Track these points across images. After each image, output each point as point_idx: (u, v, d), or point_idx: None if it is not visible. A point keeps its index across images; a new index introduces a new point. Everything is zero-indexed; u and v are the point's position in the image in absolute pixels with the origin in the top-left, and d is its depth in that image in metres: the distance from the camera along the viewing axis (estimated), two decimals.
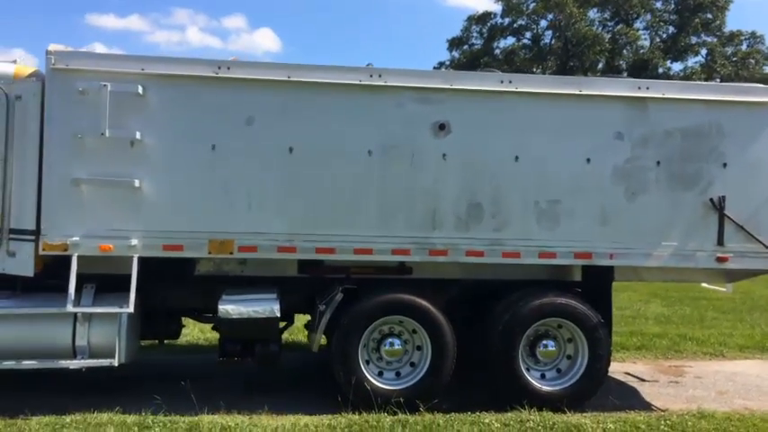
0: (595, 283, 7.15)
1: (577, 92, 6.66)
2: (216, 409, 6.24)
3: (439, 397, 6.48)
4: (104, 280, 6.44)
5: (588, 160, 6.67)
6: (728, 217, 6.80)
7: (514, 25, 47.66)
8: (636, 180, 6.72)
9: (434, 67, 50.61)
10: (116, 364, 6.23)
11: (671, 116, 6.75)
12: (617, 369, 8.73)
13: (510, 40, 47.99)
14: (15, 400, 6.25)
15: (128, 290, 6.34)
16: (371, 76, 6.44)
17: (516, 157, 6.60)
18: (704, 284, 8.24)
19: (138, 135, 6.12)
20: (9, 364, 6.14)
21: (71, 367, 6.20)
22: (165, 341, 7.45)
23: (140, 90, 6.10)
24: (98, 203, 6.15)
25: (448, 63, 50.14)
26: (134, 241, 6.19)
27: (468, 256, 6.60)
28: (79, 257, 6.32)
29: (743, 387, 8.01)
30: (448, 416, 6.22)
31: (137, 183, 6.14)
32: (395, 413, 6.28)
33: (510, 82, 6.60)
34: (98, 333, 6.28)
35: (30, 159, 6.13)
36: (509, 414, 6.33)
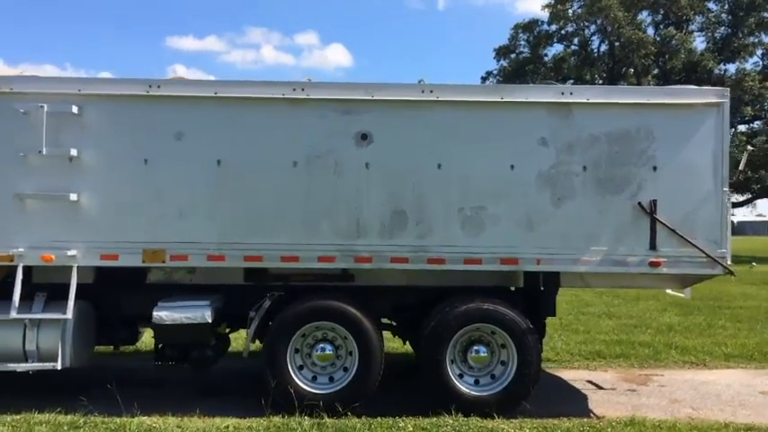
0: (538, 290, 7.18)
1: (499, 99, 6.74)
2: (154, 412, 6.58)
3: (363, 401, 6.63)
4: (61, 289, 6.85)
5: (512, 166, 6.72)
6: (660, 221, 6.71)
7: (562, 32, 47.09)
8: (562, 185, 6.73)
9: (482, 77, 50.49)
10: (59, 368, 6.64)
11: (596, 121, 6.73)
12: (581, 377, 8.68)
13: (558, 47, 47.46)
14: None
15: (84, 298, 6.88)
16: (294, 90, 6.70)
17: (439, 165, 6.71)
18: (668, 291, 8.12)
19: (74, 152, 6.57)
20: None
21: (18, 370, 6.64)
22: (123, 347, 7.85)
23: (75, 110, 6.55)
24: (40, 217, 6.61)
25: (496, 72, 49.87)
26: (73, 251, 6.61)
27: (392, 262, 6.74)
28: (34, 268, 6.85)
29: (701, 396, 7.80)
30: (366, 419, 6.36)
31: (74, 196, 6.58)
32: (322, 417, 6.45)
33: (431, 91, 6.74)
34: (45, 338, 6.72)
35: None
36: (427, 419, 6.41)
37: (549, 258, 6.74)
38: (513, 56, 49.05)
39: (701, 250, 6.69)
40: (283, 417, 6.41)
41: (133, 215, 6.65)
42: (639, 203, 6.70)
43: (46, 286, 6.88)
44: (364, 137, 6.71)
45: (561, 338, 11.02)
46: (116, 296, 7.26)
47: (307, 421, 6.31)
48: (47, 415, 6.38)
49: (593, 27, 45.53)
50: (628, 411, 7.07)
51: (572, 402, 7.41)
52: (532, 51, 47.88)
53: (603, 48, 45.32)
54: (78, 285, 6.84)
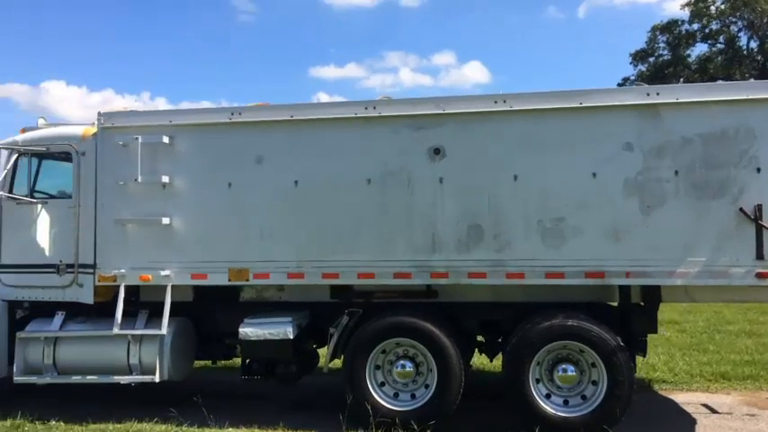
0: (636, 305, 6.73)
1: (578, 104, 6.40)
2: (242, 424, 6.83)
3: (443, 419, 6.49)
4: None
5: (594, 174, 6.35)
6: (767, 227, 6.04)
7: (705, 30, 43.97)
8: (651, 192, 6.24)
9: (618, 84, 48.25)
10: (157, 380, 7.09)
11: (688, 122, 6.20)
12: (696, 399, 7.98)
13: (702, 47, 44.33)
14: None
15: (185, 315, 7.35)
16: (366, 108, 6.76)
17: (515, 177, 6.48)
18: None
19: (166, 179, 7.02)
20: (77, 378, 7.28)
21: (122, 382, 7.16)
22: (220, 362, 8.23)
23: (166, 140, 7.01)
24: (138, 240, 7.12)
25: (633, 77, 47.38)
26: (167, 272, 7.05)
27: (470, 277, 6.57)
28: (141, 287, 7.40)
29: None
30: None
31: (167, 220, 7.02)
32: None
33: (504, 101, 6.54)
34: (146, 353, 7.20)
35: (90, 204, 7.29)
36: None
37: (641, 271, 6.26)
38: (651, 59, 46.38)
39: None
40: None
41: (219, 236, 6.98)
42: (741, 209, 6.07)
43: (154, 305, 7.32)
44: (437, 151, 6.62)
45: (684, 358, 10.17)
46: (212, 313, 7.64)
47: None
48: (144, 424, 6.81)
49: (740, 23, 42.14)
50: None
51: (678, 427, 6.84)
52: (673, 53, 45.01)
53: (753, 44, 41.83)
54: (178, 303, 7.32)
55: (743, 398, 8.07)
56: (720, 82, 6.25)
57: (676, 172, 6.22)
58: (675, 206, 6.21)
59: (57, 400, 7.71)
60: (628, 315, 6.68)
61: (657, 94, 6.29)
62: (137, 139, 7.00)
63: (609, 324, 6.49)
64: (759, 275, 6.07)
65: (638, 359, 9.88)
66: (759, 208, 6.06)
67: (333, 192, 6.79)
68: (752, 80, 6.23)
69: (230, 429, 6.68)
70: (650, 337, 12.31)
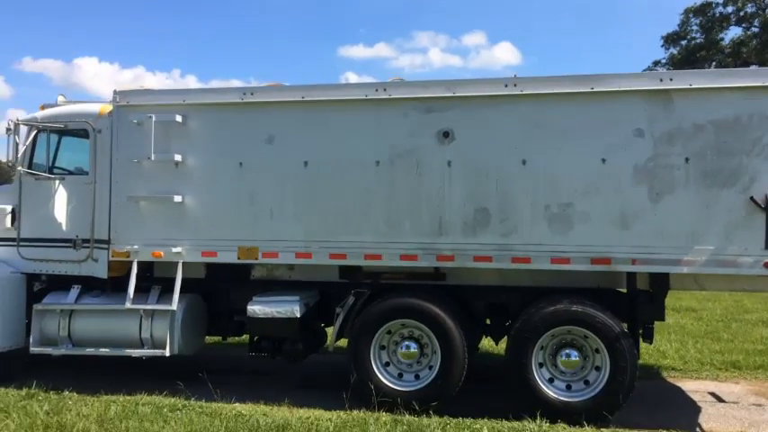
0: (645, 292, 6.70)
1: (589, 89, 6.35)
2: (249, 400, 6.98)
3: (442, 401, 6.55)
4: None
5: (603, 160, 6.31)
6: None
7: (740, 13, 42.86)
8: (661, 179, 6.19)
9: (649, 67, 47.39)
10: (167, 354, 7.25)
11: (700, 108, 6.12)
12: (704, 388, 7.96)
13: (736, 31, 43.21)
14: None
15: (197, 292, 7.50)
16: (377, 90, 6.77)
17: (524, 161, 6.46)
18: None
19: (179, 157, 7.12)
20: (90, 350, 7.46)
21: (133, 355, 7.33)
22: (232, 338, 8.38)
23: (179, 119, 7.09)
24: (151, 217, 7.24)
25: (665, 61, 46.39)
26: (179, 249, 7.17)
27: (475, 261, 6.59)
28: (156, 264, 7.54)
29: None
30: (444, 419, 6.27)
31: (179, 198, 7.12)
32: (402, 414, 6.47)
33: (515, 85, 6.51)
34: (157, 327, 7.36)
35: (105, 181, 7.42)
36: (507, 423, 6.20)
37: (647, 258, 6.24)
38: (683, 42, 45.31)
39: None
40: (363, 411, 6.50)
41: (229, 215, 7.08)
42: (752, 198, 6.00)
43: (167, 280, 7.45)
44: (446, 134, 6.62)
45: (696, 346, 10.12)
46: (223, 290, 7.76)
47: (384, 416, 6.35)
48: (153, 397, 6.97)
49: None
50: (742, 427, 6.37)
51: (682, 414, 6.80)
52: (706, 36, 43.94)
53: None
54: (191, 280, 7.47)
55: (752, 387, 8.02)
56: (735, 68, 6.14)
57: (687, 159, 6.15)
58: (685, 194, 6.16)
59: (71, 371, 7.91)
60: (634, 302, 6.65)
61: (671, 79, 6.22)
62: (150, 117, 7.09)
63: (615, 310, 6.48)
64: (767, 265, 6.01)
65: (650, 346, 9.92)
66: None
67: (342, 173, 6.84)
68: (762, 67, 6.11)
69: (237, 404, 6.81)
70: (665, 324, 12.38)
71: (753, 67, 6.03)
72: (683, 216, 6.16)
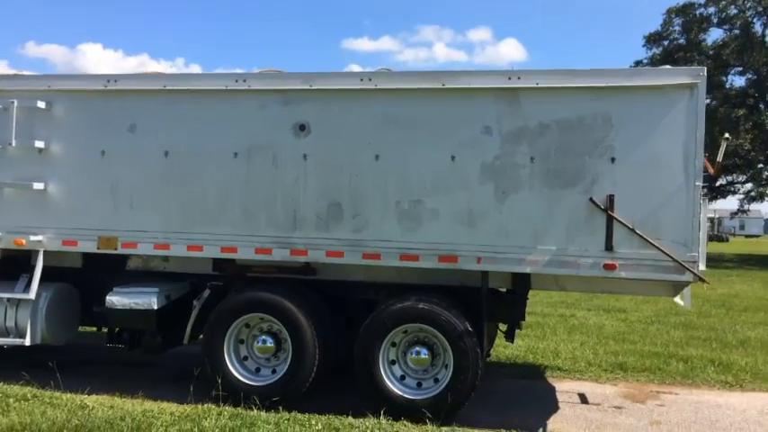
0: (506, 292, 6.74)
1: (440, 86, 6.32)
2: (105, 392, 6.93)
3: (295, 397, 6.51)
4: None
5: (453, 158, 6.29)
6: (617, 219, 5.96)
7: (722, 15, 42.79)
8: (506, 178, 6.18)
9: (630, 66, 47.30)
10: (27, 344, 7.17)
11: (546, 107, 6.11)
12: (576, 389, 7.95)
13: (718, 32, 43.20)
14: None
15: (71, 281, 7.44)
16: (236, 81, 6.72)
17: (377, 156, 6.43)
18: (675, 299, 7.20)
19: (41, 144, 7.04)
20: None
21: None
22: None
23: (42, 105, 7.02)
24: (12, 204, 7.16)
25: (646, 61, 46.25)
26: (39, 237, 7.10)
27: (327, 256, 6.56)
28: (44, 252, 7.44)
29: (694, 420, 6.82)
30: (280, 414, 6.24)
31: (40, 186, 7.05)
32: (250, 408, 6.43)
33: (369, 80, 6.47)
34: (20, 316, 7.28)
35: None
36: (344, 419, 6.16)
37: (492, 257, 6.23)
38: (665, 43, 45.17)
39: (666, 253, 5.86)
40: (208, 405, 6.44)
41: (91, 204, 7.01)
42: (591, 199, 6.00)
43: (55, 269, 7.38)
44: (302, 127, 6.59)
45: (594, 348, 10.13)
46: (97, 281, 7.67)
47: (227, 410, 6.31)
48: (5, 386, 6.89)
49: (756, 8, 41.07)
50: (588, 429, 6.37)
51: (536, 415, 6.78)
52: (687, 37, 43.82)
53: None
54: (67, 269, 7.41)
55: (625, 389, 8.03)
56: (581, 69, 6.12)
57: (532, 159, 6.15)
58: (529, 193, 6.15)
59: None
60: (491, 301, 6.62)
61: (519, 78, 6.20)
62: (12, 102, 7.02)
63: (467, 309, 6.46)
64: (606, 267, 6.01)
65: (546, 346, 9.97)
66: (611, 199, 5.99)
67: (201, 164, 6.79)
68: (614, 68, 6.09)
69: (86, 396, 6.74)
70: (584, 323, 12.41)
71: (596, 68, 5.98)
72: (527, 216, 6.15)
